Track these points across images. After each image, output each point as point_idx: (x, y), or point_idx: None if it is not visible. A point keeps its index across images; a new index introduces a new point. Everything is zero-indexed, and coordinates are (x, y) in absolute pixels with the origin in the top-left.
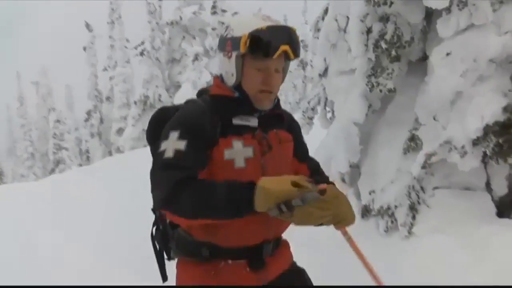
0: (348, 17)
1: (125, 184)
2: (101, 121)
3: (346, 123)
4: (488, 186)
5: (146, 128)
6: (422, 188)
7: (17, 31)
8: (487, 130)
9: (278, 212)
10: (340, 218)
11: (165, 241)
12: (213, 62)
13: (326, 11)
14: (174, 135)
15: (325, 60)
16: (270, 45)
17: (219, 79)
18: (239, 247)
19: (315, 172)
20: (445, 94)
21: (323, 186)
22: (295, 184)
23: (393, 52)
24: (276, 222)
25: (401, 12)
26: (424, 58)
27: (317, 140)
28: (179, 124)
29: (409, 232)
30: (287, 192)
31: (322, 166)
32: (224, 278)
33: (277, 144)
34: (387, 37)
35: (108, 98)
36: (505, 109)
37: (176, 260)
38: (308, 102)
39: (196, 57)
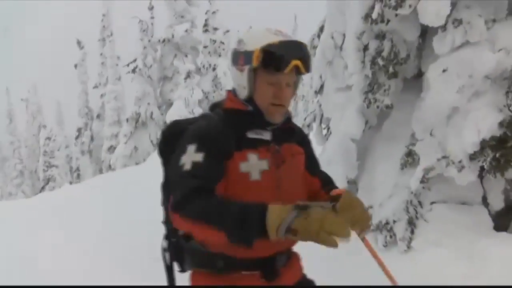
0: (344, 35)
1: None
2: (92, 138)
3: (343, 139)
4: (484, 201)
5: (137, 145)
6: (419, 203)
7: (5, 46)
8: (484, 144)
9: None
10: (355, 220)
11: (178, 253)
12: (205, 79)
13: (321, 28)
14: (191, 148)
15: (320, 77)
16: (282, 60)
17: (232, 93)
18: (252, 258)
19: (327, 184)
20: (442, 109)
21: (336, 191)
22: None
23: (391, 69)
24: None
25: (397, 30)
26: (419, 74)
27: None
28: (195, 137)
29: (408, 246)
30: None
31: None
32: None
33: (290, 157)
34: (384, 54)
35: (98, 116)
36: (501, 124)
37: (188, 272)
38: (304, 119)
39: (188, 75)
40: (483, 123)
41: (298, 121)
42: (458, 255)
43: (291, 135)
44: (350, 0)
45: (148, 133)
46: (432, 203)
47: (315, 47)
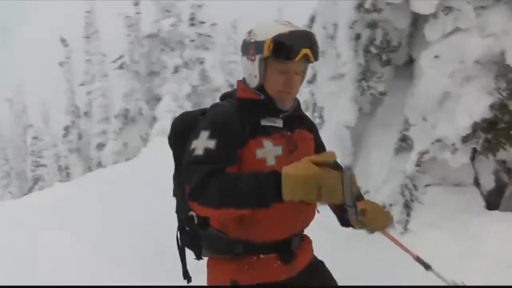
0: (335, 25)
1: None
2: (80, 136)
3: (338, 127)
4: (476, 182)
5: (127, 142)
6: (414, 186)
7: None
8: (476, 127)
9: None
10: (378, 229)
11: (194, 241)
12: (193, 73)
13: (312, 19)
14: (204, 134)
15: (312, 66)
16: (292, 49)
17: (242, 82)
18: (270, 242)
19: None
20: (434, 94)
21: (362, 205)
22: (316, 164)
23: (384, 57)
24: (303, 216)
25: (389, 18)
26: (410, 61)
27: None
28: (209, 124)
29: (405, 229)
30: (313, 174)
31: None
32: (257, 271)
33: (302, 143)
34: (377, 42)
35: (86, 113)
36: (492, 106)
37: (204, 259)
38: None
39: (176, 69)
40: (475, 106)
41: None
42: (453, 234)
43: (301, 122)
44: None
45: (138, 128)
46: (426, 185)
47: None
